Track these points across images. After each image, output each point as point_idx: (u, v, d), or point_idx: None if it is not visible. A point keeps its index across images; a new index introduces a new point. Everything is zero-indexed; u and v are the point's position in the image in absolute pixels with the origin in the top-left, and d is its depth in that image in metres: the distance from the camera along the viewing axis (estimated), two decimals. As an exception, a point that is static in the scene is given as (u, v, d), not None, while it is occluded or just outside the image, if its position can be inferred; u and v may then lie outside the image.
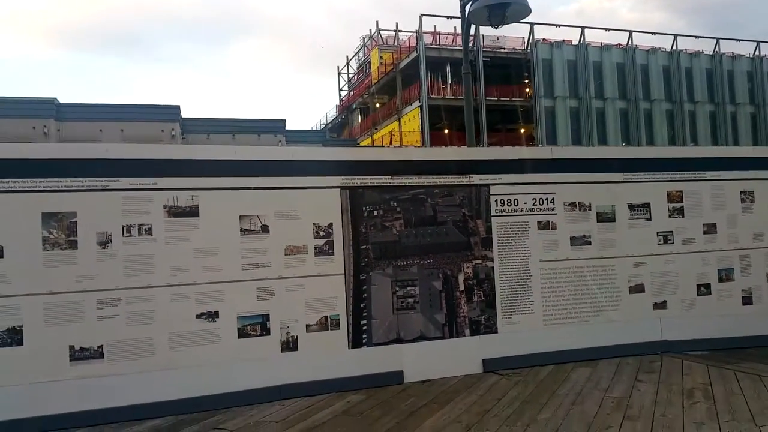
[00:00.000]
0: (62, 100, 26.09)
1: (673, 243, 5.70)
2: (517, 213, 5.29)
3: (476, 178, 5.20)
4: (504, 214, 5.25)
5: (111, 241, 4.22)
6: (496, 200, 5.24)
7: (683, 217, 5.74)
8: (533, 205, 5.34)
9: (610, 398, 4.22)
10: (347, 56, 45.27)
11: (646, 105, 34.89)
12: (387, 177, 4.97)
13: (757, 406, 3.91)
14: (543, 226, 5.36)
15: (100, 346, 4.14)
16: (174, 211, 4.37)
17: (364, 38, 42.39)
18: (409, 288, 4.95)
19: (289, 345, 4.58)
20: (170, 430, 3.94)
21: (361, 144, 36.79)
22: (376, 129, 37.00)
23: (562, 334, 5.31)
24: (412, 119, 32.87)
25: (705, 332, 5.62)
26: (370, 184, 4.92)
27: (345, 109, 44.05)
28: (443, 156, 5.42)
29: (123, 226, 4.25)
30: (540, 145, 30.60)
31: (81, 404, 4.04)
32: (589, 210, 5.52)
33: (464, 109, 6.43)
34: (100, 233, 4.20)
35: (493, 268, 5.18)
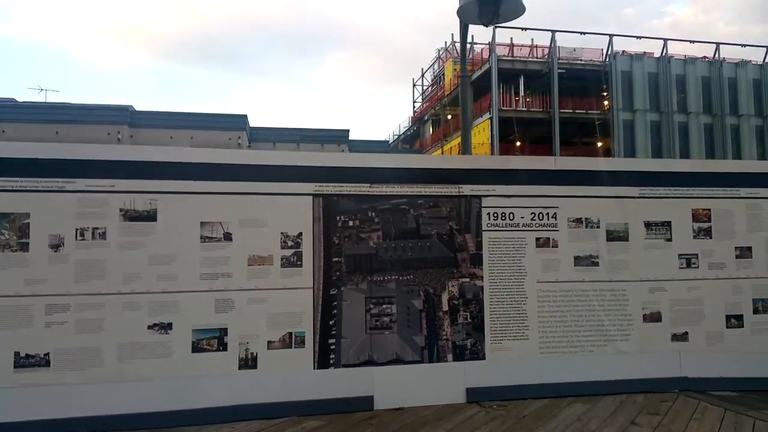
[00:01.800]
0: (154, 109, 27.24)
1: (697, 267, 5.02)
2: (513, 228, 4.80)
3: (466, 189, 4.76)
4: (497, 228, 4.77)
5: (63, 244, 4.08)
6: (489, 213, 4.77)
7: (711, 238, 5.05)
8: (531, 219, 4.83)
9: (591, 444, 3.67)
10: (422, 68, 45.08)
11: (734, 120, 32.69)
12: (366, 185, 4.61)
13: (761, 468, 3.26)
14: (542, 243, 4.84)
15: (47, 354, 4.00)
16: (130, 215, 4.20)
17: (439, 50, 41.99)
18: (384, 306, 4.55)
19: (248, 362, 4.29)
20: (106, 446, 3.74)
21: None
22: (446, 141, 36.49)
23: (561, 364, 4.76)
24: (482, 131, 32.15)
25: (734, 370, 4.91)
26: (346, 192, 4.58)
27: (417, 120, 43.89)
28: (429, 164, 5.01)
29: (77, 229, 4.11)
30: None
31: (23, 414, 3.89)
32: (598, 227, 4.94)
33: (461, 116, 5.97)
34: (52, 236, 4.07)
35: (482, 287, 4.71)
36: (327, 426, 4.07)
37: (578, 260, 4.89)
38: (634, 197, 5.02)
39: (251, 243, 4.37)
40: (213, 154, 4.51)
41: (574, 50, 32.86)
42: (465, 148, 6.38)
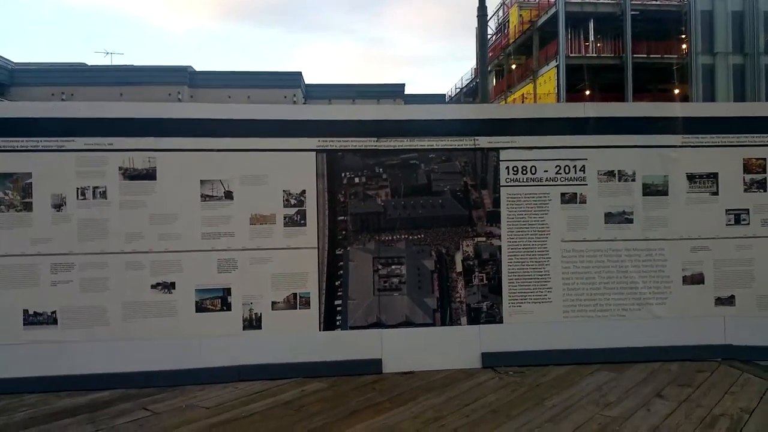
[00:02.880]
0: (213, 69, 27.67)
1: (748, 224, 4.49)
2: (535, 183, 4.42)
3: (483, 141, 4.40)
4: (517, 183, 4.41)
5: (65, 203, 4.07)
6: (508, 167, 4.41)
7: (765, 191, 4.48)
8: (556, 173, 4.43)
9: (602, 417, 3.36)
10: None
11: (834, 60, 29.63)
12: (372, 139, 4.34)
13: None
14: (568, 199, 4.44)
15: (54, 312, 4.04)
16: (130, 174, 4.13)
17: (504, -4, 40.09)
18: (393, 266, 4.33)
19: (252, 323, 4.20)
20: (107, 405, 3.75)
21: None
22: (510, 92, 35.14)
23: (587, 329, 4.42)
24: (548, 80, 30.63)
25: (788, 339, 4.41)
26: (351, 147, 4.33)
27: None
28: (441, 115, 4.62)
29: (77, 189, 4.08)
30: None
31: (32, 370, 3.97)
32: (633, 180, 4.48)
33: (478, 62, 5.51)
34: (54, 195, 4.06)
35: (499, 247, 4.39)
36: (329, 388, 3.95)
37: (609, 217, 4.46)
38: (675, 146, 4.50)
39: (253, 201, 4.23)
40: (209, 109, 4.36)
41: (648, -10, 30.66)
42: (483, 97, 5.95)
